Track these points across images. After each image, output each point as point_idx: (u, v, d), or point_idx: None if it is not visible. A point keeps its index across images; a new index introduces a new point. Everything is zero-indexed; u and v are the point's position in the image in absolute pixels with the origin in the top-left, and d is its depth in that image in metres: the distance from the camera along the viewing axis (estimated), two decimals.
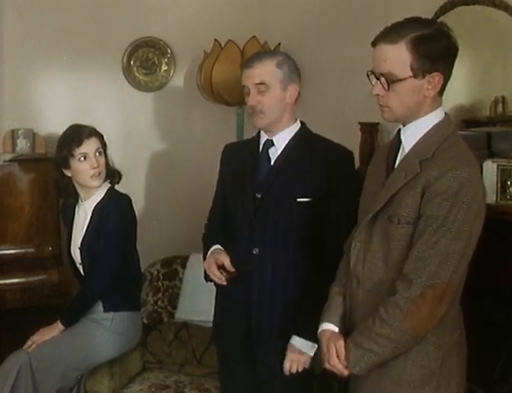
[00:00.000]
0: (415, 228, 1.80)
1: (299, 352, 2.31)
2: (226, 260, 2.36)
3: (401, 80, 1.80)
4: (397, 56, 1.79)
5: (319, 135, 2.47)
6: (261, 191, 2.37)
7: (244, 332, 2.41)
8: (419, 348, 1.84)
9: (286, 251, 2.36)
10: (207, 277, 2.47)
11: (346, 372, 1.89)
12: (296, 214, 2.34)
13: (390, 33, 1.81)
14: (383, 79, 1.82)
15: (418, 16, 1.87)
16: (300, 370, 2.31)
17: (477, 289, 2.29)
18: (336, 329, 1.98)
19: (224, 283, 2.36)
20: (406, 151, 1.88)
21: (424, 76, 1.79)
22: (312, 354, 2.30)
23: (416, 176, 1.80)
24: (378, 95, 1.86)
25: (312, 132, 2.47)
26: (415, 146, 1.86)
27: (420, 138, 1.85)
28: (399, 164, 1.89)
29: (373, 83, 1.86)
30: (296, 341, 2.31)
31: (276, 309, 2.37)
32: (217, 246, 2.45)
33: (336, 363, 1.90)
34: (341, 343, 1.90)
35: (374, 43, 1.84)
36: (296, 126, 2.44)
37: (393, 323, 1.78)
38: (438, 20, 1.85)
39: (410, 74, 1.79)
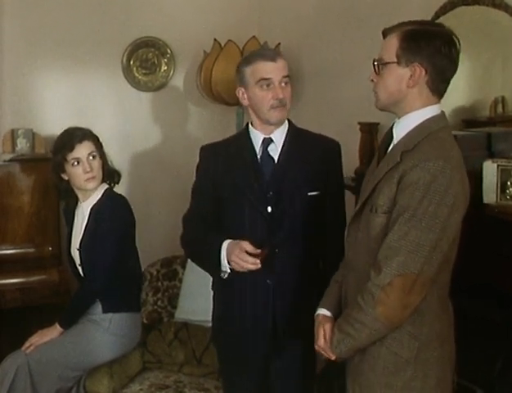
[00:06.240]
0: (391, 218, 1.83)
1: None
2: (248, 245, 2.23)
3: (386, 64, 1.88)
4: (389, 43, 1.89)
5: (304, 129, 2.49)
6: (272, 190, 2.35)
7: (270, 332, 2.38)
8: (394, 335, 1.87)
9: (302, 246, 2.37)
10: (217, 273, 2.34)
11: (333, 356, 1.94)
12: (308, 209, 2.36)
13: (394, 27, 1.90)
14: (375, 64, 1.91)
15: (434, 21, 1.90)
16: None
17: (477, 288, 2.31)
18: (328, 313, 2.05)
19: (259, 266, 2.22)
20: (395, 143, 1.91)
21: (407, 65, 1.85)
22: None
23: (395, 166, 1.83)
24: (372, 81, 1.94)
25: (297, 126, 2.48)
26: (402, 138, 1.89)
27: (409, 131, 1.88)
28: (386, 155, 1.93)
29: None
30: None
31: (298, 305, 2.36)
32: (229, 240, 2.29)
33: (322, 344, 1.96)
34: (328, 326, 1.97)
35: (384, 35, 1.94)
36: (286, 123, 2.45)
37: (366, 309, 1.82)
38: (447, 28, 1.88)
39: (395, 60, 1.86)
